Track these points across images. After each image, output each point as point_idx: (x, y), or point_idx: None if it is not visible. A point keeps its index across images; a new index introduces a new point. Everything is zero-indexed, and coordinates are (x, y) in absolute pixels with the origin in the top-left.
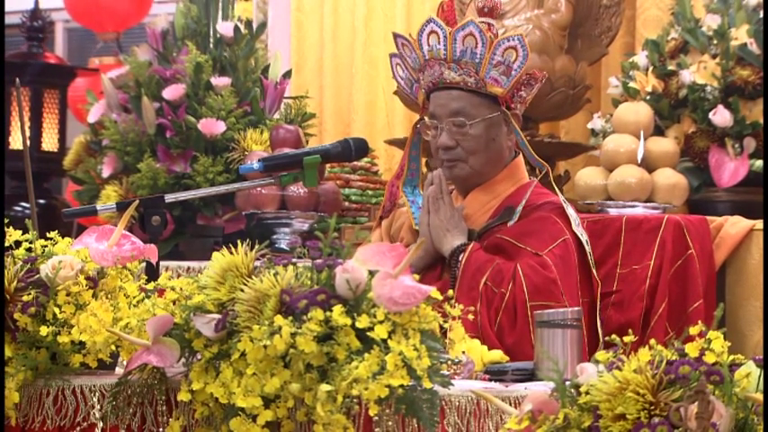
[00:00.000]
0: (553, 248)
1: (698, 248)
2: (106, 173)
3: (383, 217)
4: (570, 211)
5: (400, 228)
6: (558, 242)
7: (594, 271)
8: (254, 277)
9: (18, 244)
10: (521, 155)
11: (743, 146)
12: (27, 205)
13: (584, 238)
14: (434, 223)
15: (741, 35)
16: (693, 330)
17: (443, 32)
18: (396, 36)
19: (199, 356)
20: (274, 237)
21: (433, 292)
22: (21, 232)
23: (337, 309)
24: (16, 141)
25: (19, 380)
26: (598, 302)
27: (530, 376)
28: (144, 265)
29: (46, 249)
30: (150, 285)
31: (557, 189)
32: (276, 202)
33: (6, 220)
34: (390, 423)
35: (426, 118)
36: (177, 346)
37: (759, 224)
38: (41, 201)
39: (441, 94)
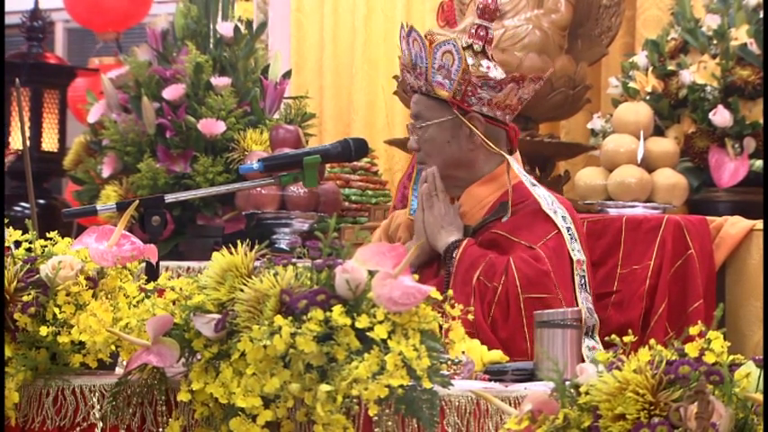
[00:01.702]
0: (547, 241)
1: (698, 248)
2: (106, 173)
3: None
4: (539, 191)
5: (397, 228)
6: (552, 235)
7: (570, 248)
8: (253, 277)
9: (18, 244)
10: (516, 156)
11: (743, 146)
12: (27, 205)
13: (558, 215)
14: (428, 221)
15: (741, 35)
16: (693, 330)
17: (403, 39)
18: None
19: (199, 356)
20: (274, 237)
21: (433, 292)
22: (21, 232)
23: (337, 309)
24: (16, 141)
25: (19, 380)
26: (576, 279)
27: (529, 376)
28: (144, 265)
29: (46, 249)
30: (150, 285)
31: (523, 174)
32: (276, 202)
33: (6, 220)
34: (390, 423)
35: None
36: (177, 346)
37: (759, 224)
38: (41, 201)
39: (412, 98)
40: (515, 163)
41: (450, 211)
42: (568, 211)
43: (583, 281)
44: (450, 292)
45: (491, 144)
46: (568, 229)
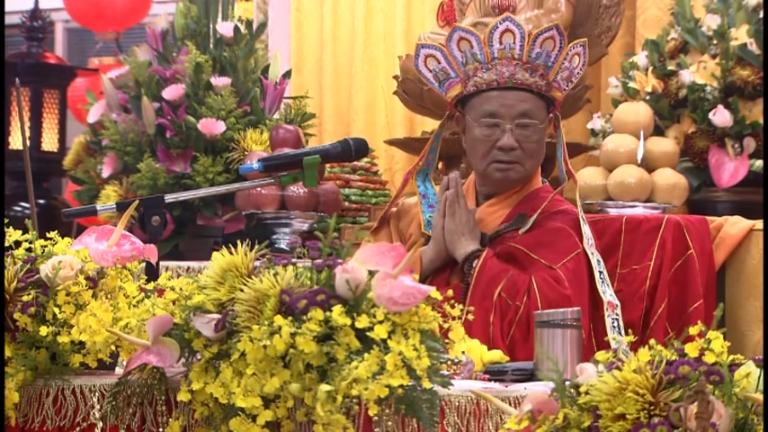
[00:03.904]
0: (566, 262)
1: (698, 248)
2: (106, 173)
3: (391, 206)
4: (585, 228)
5: (410, 223)
6: (572, 256)
7: (601, 290)
8: (253, 277)
9: (18, 244)
10: None
11: (743, 146)
12: (27, 205)
13: (594, 258)
14: (449, 227)
15: (741, 35)
16: (693, 330)
17: (521, 32)
18: (456, 29)
19: (199, 356)
20: (274, 237)
21: (433, 292)
22: (21, 232)
23: (337, 309)
24: (16, 141)
25: (19, 380)
26: (607, 321)
27: (529, 376)
28: (144, 265)
29: (46, 249)
30: (150, 285)
31: (580, 208)
32: (276, 203)
33: (6, 220)
34: (390, 423)
35: (480, 116)
36: (177, 346)
37: (759, 224)
38: (41, 201)
39: (507, 93)
40: (578, 192)
41: (471, 218)
42: (602, 255)
43: (616, 323)
44: (451, 292)
45: (566, 154)
46: (601, 273)
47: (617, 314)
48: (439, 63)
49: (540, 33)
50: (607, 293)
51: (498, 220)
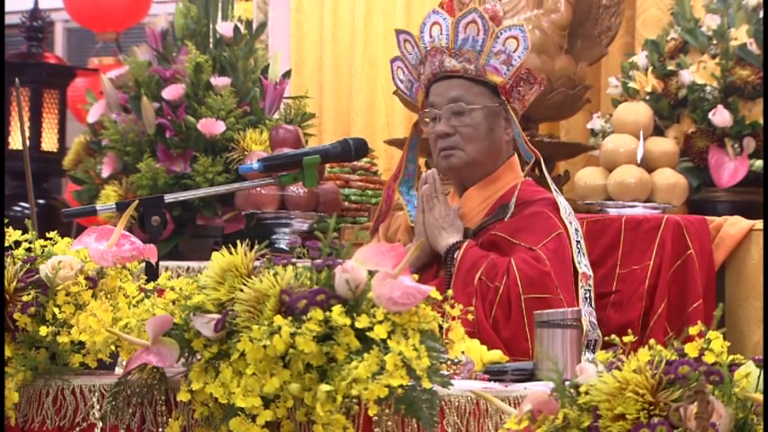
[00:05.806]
0: (547, 243)
1: (697, 248)
2: (106, 173)
3: (380, 220)
4: (561, 198)
5: (396, 230)
6: (552, 237)
7: (576, 261)
8: (253, 277)
9: (18, 244)
10: (515, 154)
11: (742, 146)
12: (27, 205)
13: (572, 227)
14: (429, 222)
15: (741, 35)
16: (693, 330)
17: (446, 22)
18: (398, 32)
19: (198, 356)
20: (274, 237)
21: (433, 292)
22: (20, 232)
23: (337, 309)
24: (16, 141)
25: (19, 380)
26: (580, 291)
27: (529, 376)
28: (144, 265)
29: (45, 249)
30: (150, 285)
31: (549, 179)
32: (276, 202)
33: (6, 220)
34: (390, 423)
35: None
36: (177, 346)
37: (759, 224)
38: (41, 201)
39: (440, 83)
40: (543, 165)
41: (451, 212)
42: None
43: (588, 294)
44: (450, 292)
45: (524, 137)
46: (578, 242)
47: (590, 285)
48: (404, 72)
49: (461, 18)
50: (582, 264)
51: (481, 214)
